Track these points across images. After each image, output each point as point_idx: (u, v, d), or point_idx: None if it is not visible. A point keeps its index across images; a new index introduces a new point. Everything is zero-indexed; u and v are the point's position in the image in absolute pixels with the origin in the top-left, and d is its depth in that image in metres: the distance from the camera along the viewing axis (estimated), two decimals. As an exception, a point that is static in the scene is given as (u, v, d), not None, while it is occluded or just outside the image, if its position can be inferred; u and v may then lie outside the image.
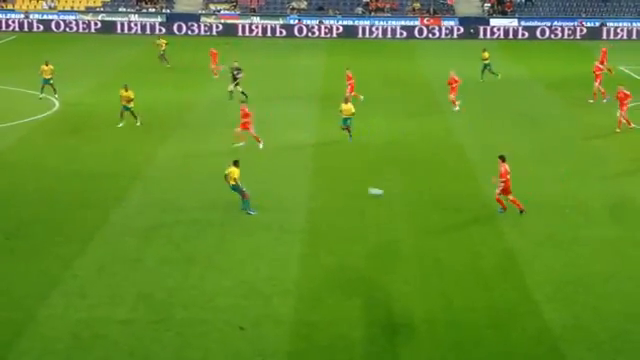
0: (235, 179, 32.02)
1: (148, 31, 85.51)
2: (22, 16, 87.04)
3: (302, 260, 28.33)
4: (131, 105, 44.65)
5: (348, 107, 42.40)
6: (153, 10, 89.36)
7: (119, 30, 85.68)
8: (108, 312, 24.26)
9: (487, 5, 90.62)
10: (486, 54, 60.20)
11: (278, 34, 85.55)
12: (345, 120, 42.56)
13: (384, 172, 37.52)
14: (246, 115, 40.90)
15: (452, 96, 50.42)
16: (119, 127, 44.62)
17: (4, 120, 46.54)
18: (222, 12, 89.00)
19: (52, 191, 34.83)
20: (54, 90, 51.41)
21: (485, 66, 59.95)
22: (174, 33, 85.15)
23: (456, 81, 50.35)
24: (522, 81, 61.75)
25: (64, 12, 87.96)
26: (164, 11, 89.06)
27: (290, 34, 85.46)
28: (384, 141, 43.65)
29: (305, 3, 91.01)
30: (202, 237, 30.21)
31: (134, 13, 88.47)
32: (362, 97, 52.08)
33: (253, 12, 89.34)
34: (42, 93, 51.43)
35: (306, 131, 45.55)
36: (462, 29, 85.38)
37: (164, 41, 66.13)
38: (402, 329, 23.71)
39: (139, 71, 63.31)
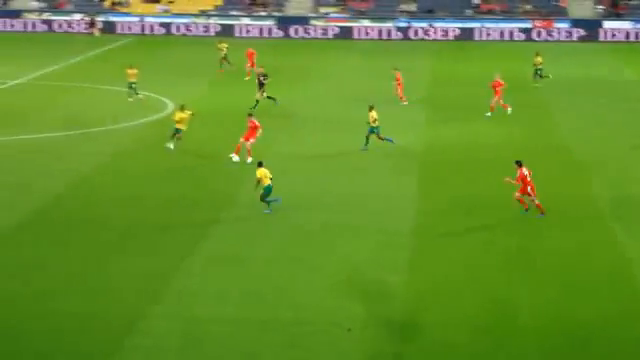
0: (268, 178, 32.03)
1: (265, 34, 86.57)
2: (137, 19, 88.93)
3: (409, 262, 28.28)
4: (182, 127, 40.97)
5: (371, 115, 40.93)
6: (264, 13, 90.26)
7: (237, 33, 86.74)
8: (217, 311, 24.62)
9: (600, 7, 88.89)
10: (539, 59, 59.18)
11: (393, 36, 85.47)
12: (372, 129, 40.93)
13: (490, 174, 37.12)
14: (254, 128, 39.01)
15: (495, 100, 48.84)
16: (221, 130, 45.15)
17: (119, 121, 47.60)
18: (331, 15, 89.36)
19: (164, 191, 35.47)
20: (135, 93, 52.28)
21: (537, 70, 58.99)
22: (289, 36, 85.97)
23: (500, 84, 49.04)
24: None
25: (178, 15, 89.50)
26: (274, 14, 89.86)
27: (403, 37, 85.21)
28: (491, 143, 43.30)
29: (414, 5, 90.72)
30: (310, 238, 30.43)
31: (246, 16, 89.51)
32: (406, 101, 52.03)
33: (362, 15, 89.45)
34: (131, 97, 52.38)
35: (412, 134, 45.44)
36: (580, 31, 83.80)
37: (225, 45, 65.85)
38: (509, 334, 23.47)
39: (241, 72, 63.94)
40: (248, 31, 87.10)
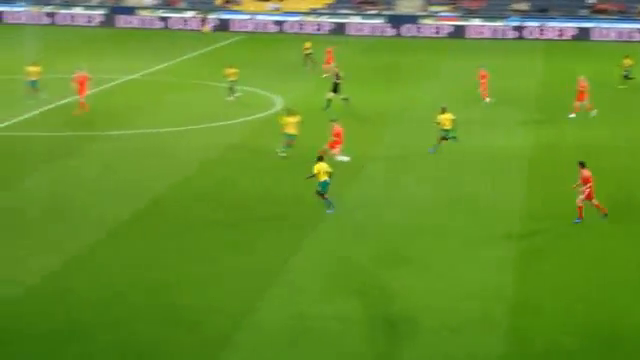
0: (328, 173, 32.03)
1: (378, 32, 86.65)
2: (248, 17, 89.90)
3: (518, 264, 27.94)
4: (292, 132, 39.73)
5: (446, 117, 40.04)
6: (374, 12, 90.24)
7: (349, 31, 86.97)
8: (323, 308, 24.71)
9: None
10: (628, 61, 58.32)
11: (507, 35, 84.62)
12: (447, 132, 40.21)
13: (605, 179, 36.42)
14: (337, 134, 38.43)
15: (578, 103, 47.87)
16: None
17: (228, 118, 48.13)
18: (441, 14, 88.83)
19: (273, 187, 35.77)
20: (234, 92, 52.37)
21: (625, 72, 58.23)
22: (400, 35, 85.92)
23: (584, 87, 47.94)
24: None
25: (288, 13, 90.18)
26: (384, 13, 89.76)
27: (517, 36, 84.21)
28: (600, 145, 42.56)
29: (527, 4, 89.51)
30: (418, 238, 30.32)
31: (356, 15, 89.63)
32: (489, 100, 51.42)
33: (473, 14, 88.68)
34: (230, 97, 52.38)
35: (522, 134, 44.89)
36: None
37: (309, 44, 65.71)
38: (621, 341, 22.98)
39: (362, 71, 64.03)
40: (360, 29, 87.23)
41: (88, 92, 48.40)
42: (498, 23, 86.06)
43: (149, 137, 44.45)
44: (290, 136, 39.53)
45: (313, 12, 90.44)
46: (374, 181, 37.16)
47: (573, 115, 48.05)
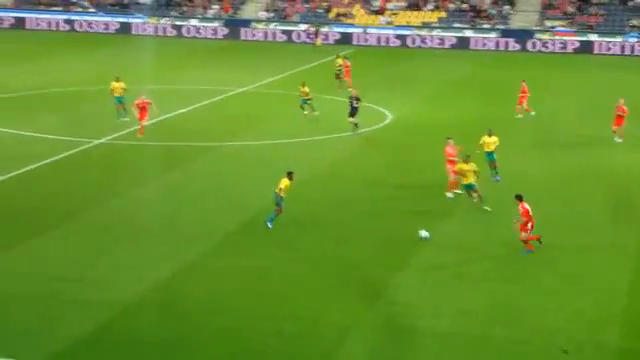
0: (282, 190, 31.70)
1: (492, 46, 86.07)
2: (361, 31, 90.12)
3: (631, 286, 27.22)
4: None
5: (492, 140, 38.37)
6: (487, 26, 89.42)
7: (474, 45, 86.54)
8: (430, 323, 24.47)
9: None
10: None
11: (629, 52, 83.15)
12: (489, 154, 38.48)
13: None
14: (451, 155, 36.69)
15: (615, 127, 45.92)
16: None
17: (337, 131, 48.22)
18: (557, 29, 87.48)
19: (380, 202, 35.64)
20: (312, 108, 51.51)
21: None
22: (510, 49, 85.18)
23: (624, 112, 45.81)
24: None
25: (400, 27, 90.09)
26: (497, 27, 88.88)
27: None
28: None
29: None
30: (527, 255, 29.80)
31: (468, 29, 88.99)
32: (533, 113, 51.12)
33: (590, 29, 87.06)
34: (306, 111, 51.41)
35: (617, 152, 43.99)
36: None
37: (340, 61, 63.44)
38: None
39: (466, 85, 63.54)
40: (484, 44, 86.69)
41: (147, 117, 46.28)
42: (616, 39, 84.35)
43: (259, 148, 44.83)
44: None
45: (426, 25, 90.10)
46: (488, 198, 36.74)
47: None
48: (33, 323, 24.03)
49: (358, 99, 47.28)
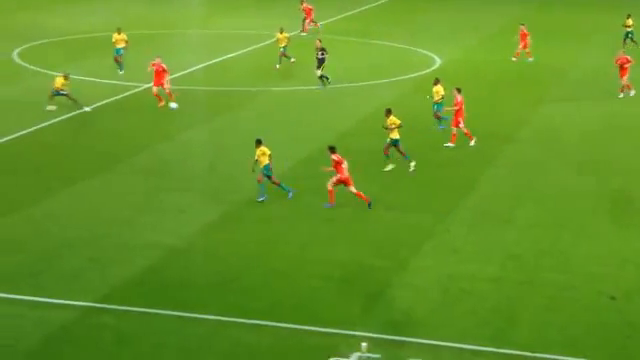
0: (267, 156, 29.33)
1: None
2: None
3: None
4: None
5: (436, 89, 37.26)
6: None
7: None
8: (477, 269, 24.54)
9: None
10: (630, 21, 55.90)
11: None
12: (436, 105, 37.50)
13: None
14: (459, 107, 35.41)
15: (624, 80, 44.02)
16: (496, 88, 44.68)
17: (387, 76, 48.06)
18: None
19: (422, 149, 35.52)
20: (287, 57, 49.79)
21: (627, 34, 55.80)
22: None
23: (628, 61, 44.05)
24: None
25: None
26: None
27: None
28: None
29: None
30: (574, 203, 29.74)
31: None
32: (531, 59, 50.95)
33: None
34: (279, 64, 49.83)
35: None
36: None
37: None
38: None
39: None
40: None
41: (164, 84, 41.38)
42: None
43: (308, 93, 44.79)
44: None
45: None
46: (532, 145, 36.57)
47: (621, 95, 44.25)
48: (84, 265, 24.43)
49: (324, 50, 45.31)
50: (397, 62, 52.34)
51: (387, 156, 32.78)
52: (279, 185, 29.77)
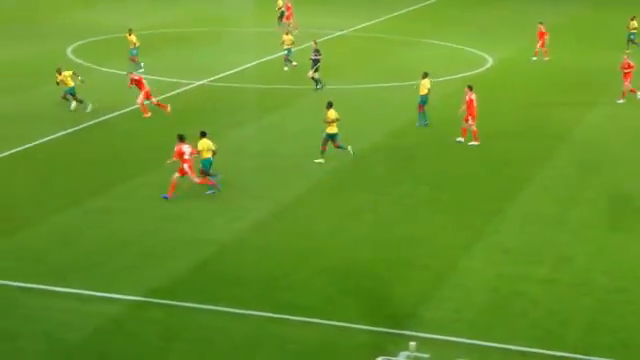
0: (210, 151, 29.56)
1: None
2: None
3: None
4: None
5: (423, 83, 37.31)
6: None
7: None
8: (528, 270, 24.31)
9: None
10: (634, 23, 55.11)
11: None
12: (421, 97, 37.48)
13: None
14: (470, 102, 35.47)
15: (626, 85, 42.51)
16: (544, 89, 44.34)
17: (439, 75, 47.79)
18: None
19: (478, 148, 35.35)
20: (289, 61, 49.14)
21: (629, 36, 55.04)
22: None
23: (630, 66, 42.69)
24: None
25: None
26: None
27: None
28: None
29: None
30: (627, 205, 29.45)
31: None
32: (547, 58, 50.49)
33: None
34: (286, 66, 49.24)
35: None
36: None
37: (281, 2, 62.24)
38: None
39: (570, 32, 62.29)
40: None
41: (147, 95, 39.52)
42: None
43: (357, 92, 44.76)
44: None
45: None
46: (587, 145, 36.25)
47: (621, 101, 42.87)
48: (136, 260, 24.61)
49: (318, 51, 44.69)
50: (447, 61, 52.07)
51: (323, 152, 32.85)
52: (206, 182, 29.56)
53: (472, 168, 32.88)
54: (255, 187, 30.75)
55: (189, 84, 45.04)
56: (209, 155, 29.78)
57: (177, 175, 29.31)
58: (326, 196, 29.95)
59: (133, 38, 48.91)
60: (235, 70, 48.09)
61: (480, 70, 49.54)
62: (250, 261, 24.78)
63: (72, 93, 39.65)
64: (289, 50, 49.09)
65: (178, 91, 43.98)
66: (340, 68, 49.80)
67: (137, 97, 39.21)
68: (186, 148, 29.32)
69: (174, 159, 29.45)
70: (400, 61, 51.82)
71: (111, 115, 39.25)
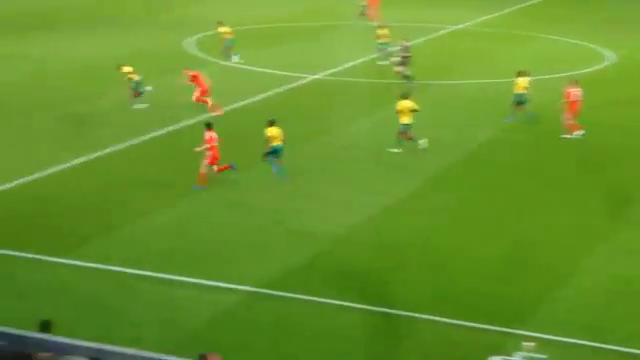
0: (279, 139, 30.12)
1: None
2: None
3: None
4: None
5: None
6: None
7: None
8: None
9: None
10: None
11: None
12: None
13: None
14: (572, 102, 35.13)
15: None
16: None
17: (553, 71, 47.09)
18: None
19: (588, 147, 34.69)
20: (385, 57, 48.35)
21: None
22: None
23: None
24: None
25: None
26: None
27: None
28: None
29: None
30: None
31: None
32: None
33: None
34: (380, 61, 48.67)
35: None
36: None
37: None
38: None
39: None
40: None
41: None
42: None
43: (471, 87, 44.40)
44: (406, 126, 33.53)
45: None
46: None
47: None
48: (251, 251, 24.91)
49: (407, 48, 44.06)
50: (563, 58, 51.14)
51: (411, 140, 33.05)
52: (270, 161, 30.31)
53: (592, 168, 32.23)
54: (369, 181, 30.78)
55: (304, 77, 45.29)
56: (278, 143, 30.24)
57: (206, 163, 29.72)
58: (440, 191, 29.80)
59: (225, 29, 49.28)
60: (350, 64, 48.14)
61: (596, 68, 48.53)
62: (362, 256, 24.80)
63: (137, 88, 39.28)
64: (385, 44, 48.60)
65: (294, 85, 44.25)
66: (453, 63, 49.47)
67: (194, 93, 38.54)
68: (214, 135, 29.88)
69: (204, 147, 29.81)
70: (513, 57, 51.13)
71: (233, 106, 39.57)
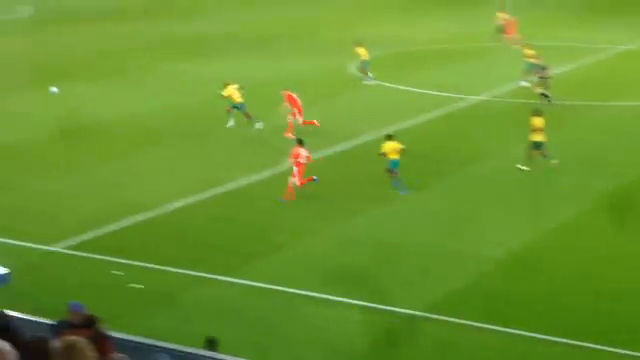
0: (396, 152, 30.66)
1: None
2: None
3: None
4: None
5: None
6: None
7: None
8: None
9: None
10: None
11: None
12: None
13: None
14: None
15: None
16: None
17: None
18: None
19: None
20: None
21: None
22: None
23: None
24: None
25: None
26: None
27: None
28: None
29: None
30: None
31: None
32: None
33: None
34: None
35: None
36: None
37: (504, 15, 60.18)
38: None
39: None
40: None
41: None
42: None
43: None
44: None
45: None
46: None
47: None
48: (414, 274, 25.03)
49: (544, 68, 44.00)
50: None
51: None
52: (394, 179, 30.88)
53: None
54: (527, 205, 30.47)
55: (465, 98, 45.14)
56: (395, 156, 30.87)
57: (293, 179, 30.12)
58: (608, 212, 29.22)
59: (362, 51, 49.78)
60: (507, 87, 47.70)
61: None
62: (523, 280, 24.61)
63: (239, 108, 39.20)
64: (531, 64, 47.43)
65: (457, 105, 44.19)
66: (625, 84, 48.30)
67: (289, 115, 38.30)
68: (303, 152, 30.43)
69: (291, 161, 30.45)
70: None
71: (397, 126, 39.74)
